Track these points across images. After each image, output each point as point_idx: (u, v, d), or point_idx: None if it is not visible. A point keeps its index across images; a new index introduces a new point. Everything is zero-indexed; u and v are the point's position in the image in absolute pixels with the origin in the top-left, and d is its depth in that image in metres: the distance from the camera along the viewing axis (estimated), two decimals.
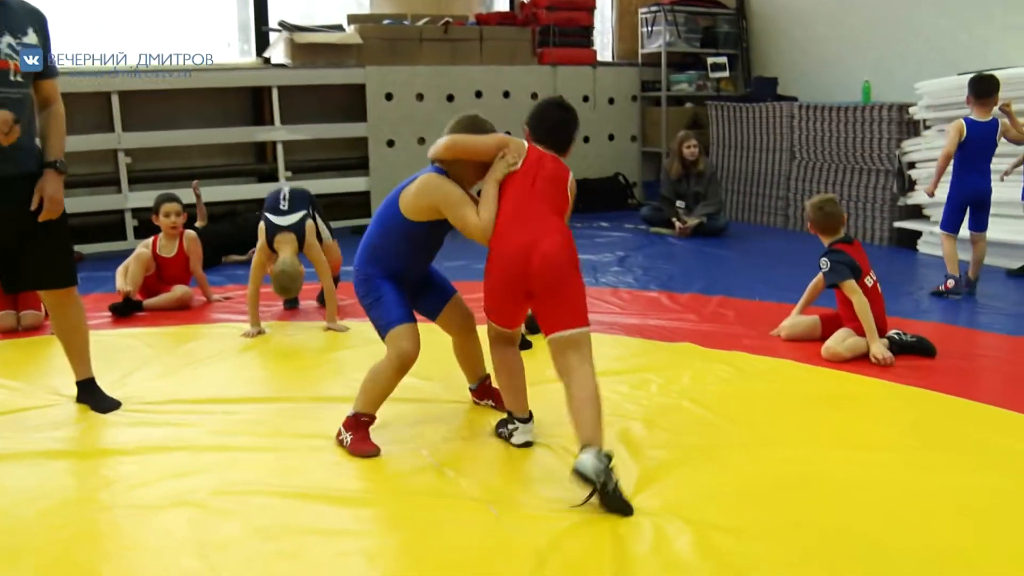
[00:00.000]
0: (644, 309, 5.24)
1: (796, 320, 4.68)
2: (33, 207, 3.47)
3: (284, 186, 5.34)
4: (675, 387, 3.90)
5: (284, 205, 5.07)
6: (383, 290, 3.34)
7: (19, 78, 3.37)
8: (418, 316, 3.44)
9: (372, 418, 3.34)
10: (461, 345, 3.70)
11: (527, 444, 3.35)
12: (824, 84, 8.83)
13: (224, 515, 2.81)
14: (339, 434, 3.33)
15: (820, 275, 4.60)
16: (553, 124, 3.40)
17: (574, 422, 3.01)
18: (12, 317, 5.09)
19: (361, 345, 4.61)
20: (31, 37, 3.42)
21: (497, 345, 3.40)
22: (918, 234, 7.14)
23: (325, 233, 5.37)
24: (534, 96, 9.18)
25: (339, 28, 8.66)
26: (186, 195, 7.59)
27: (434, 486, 3.03)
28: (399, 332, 3.29)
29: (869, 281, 4.42)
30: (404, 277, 3.42)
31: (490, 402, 3.75)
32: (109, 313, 5.31)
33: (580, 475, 2.80)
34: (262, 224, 4.99)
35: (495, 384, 3.60)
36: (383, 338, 3.34)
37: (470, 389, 3.81)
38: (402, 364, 3.31)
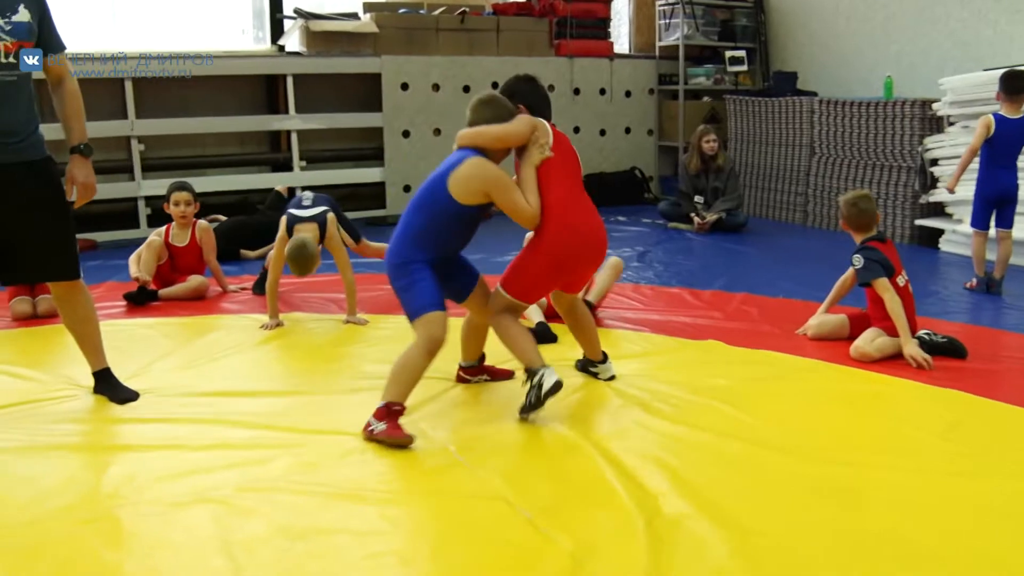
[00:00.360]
0: (667, 305, 5.16)
1: (823, 319, 4.60)
2: (68, 197, 3.40)
3: (308, 192, 5.37)
4: (705, 386, 3.82)
5: (307, 202, 5.09)
6: (420, 275, 3.37)
7: (11, 59, 3.25)
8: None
9: (403, 407, 3.30)
10: (478, 325, 3.79)
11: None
12: (844, 79, 8.74)
13: (249, 513, 2.74)
14: (368, 425, 3.26)
15: (849, 272, 4.52)
16: (544, 96, 3.79)
17: (591, 344, 3.87)
18: (27, 303, 5.03)
19: (380, 339, 4.56)
20: (22, 14, 3.26)
21: (511, 316, 3.61)
22: (940, 232, 7.05)
23: (352, 238, 5.37)
24: (551, 88, 9.12)
25: (354, 16, 8.57)
26: (199, 184, 7.56)
27: (464, 485, 2.95)
28: (431, 317, 3.32)
29: (901, 280, 4.33)
30: (442, 262, 3.48)
31: (485, 376, 3.91)
32: (124, 302, 5.25)
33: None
34: (284, 217, 4.95)
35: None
36: (412, 321, 3.36)
37: (463, 367, 3.87)
38: (431, 349, 3.33)
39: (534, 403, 3.40)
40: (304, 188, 7.92)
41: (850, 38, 8.75)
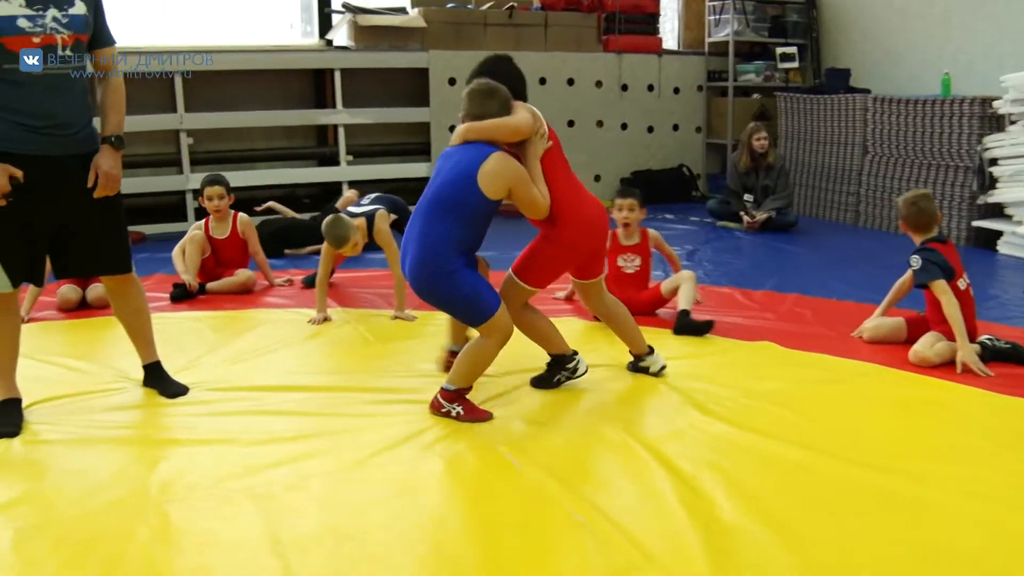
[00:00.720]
0: (718, 305, 5.06)
1: (879, 321, 4.49)
2: (89, 184, 3.35)
3: (372, 194, 5.40)
4: (760, 389, 3.74)
5: (365, 201, 5.15)
6: (474, 280, 3.36)
7: (67, 52, 3.25)
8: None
9: (470, 388, 3.44)
10: None
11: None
12: (898, 76, 8.56)
13: (299, 511, 2.71)
14: (440, 406, 3.42)
15: (907, 274, 4.40)
16: (522, 77, 3.69)
17: (632, 337, 3.89)
18: (76, 291, 5.06)
19: (428, 335, 4.52)
20: (78, 7, 3.27)
21: (532, 310, 3.70)
22: (999, 234, 6.87)
23: None
24: (598, 84, 9.06)
25: (402, 11, 8.55)
26: (247, 178, 7.60)
27: (515, 486, 2.90)
28: (501, 314, 3.36)
29: (962, 284, 4.20)
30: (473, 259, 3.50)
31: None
32: (170, 297, 5.26)
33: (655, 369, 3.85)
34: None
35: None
36: (481, 324, 3.38)
37: (453, 351, 3.79)
38: (505, 342, 3.42)
39: (557, 383, 3.75)
40: (351, 183, 7.96)
41: (905, 34, 8.56)
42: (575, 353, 3.78)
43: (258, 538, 2.55)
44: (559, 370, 3.77)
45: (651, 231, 5.04)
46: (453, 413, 3.39)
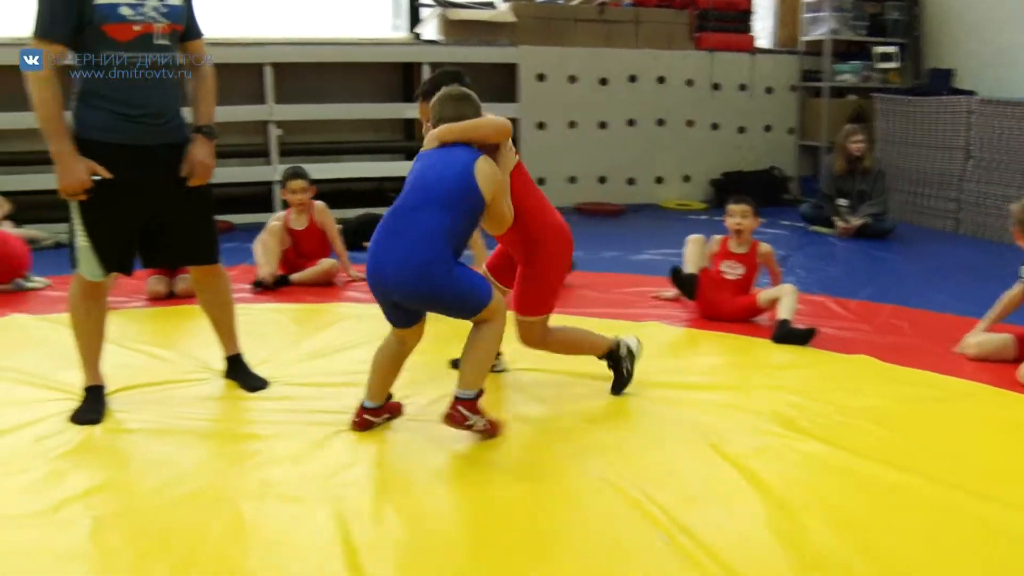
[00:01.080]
0: (811, 314, 4.85)
1: (986, 337, 4.24)
2: (183, 173, 3.37)
3: None
4: (855, 405, 3.55)
5: None
6: (468, 271, 3.14)
7: (164, 41, 3.27)
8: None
9: (483, 391, 3.19)
10: (404, 354, 3.39)
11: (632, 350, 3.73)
12: (1007, 78, 8.17)
13: (376, 516, 2.64)
14: (463, 419, 3.11)
15: (1017, 288, 4.17)
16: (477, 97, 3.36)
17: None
18: (163, 283, 5.12)
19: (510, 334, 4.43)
20: None
21: (556, 328, 3.58)
22: None
23: None
24: (689, 83, 8.87)
25: (490, 5, 8.50)
26: (334, 170, 7.61)
27: (597, 500, 2.79)
28: (496, 294, 3.17)
29: None
30: None
31: (387, 415, 3.36)
32: (253, 287, 5.29)
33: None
34: None
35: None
36: (478, 315, 3.13)
37: (369, 408, 3.30)
38: (505, 322, 3.25)
39: (629, 376, 3.67)
40: None
41: (1016, 32, 8.17)
42: (618, 340, 3.68)
43: (330, 541, 2.48)
44: (620, 364, 3.67)
45: (763, 245, 4.88)
46: (479, 425, 3.13)
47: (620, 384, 3.68)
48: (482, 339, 3.17)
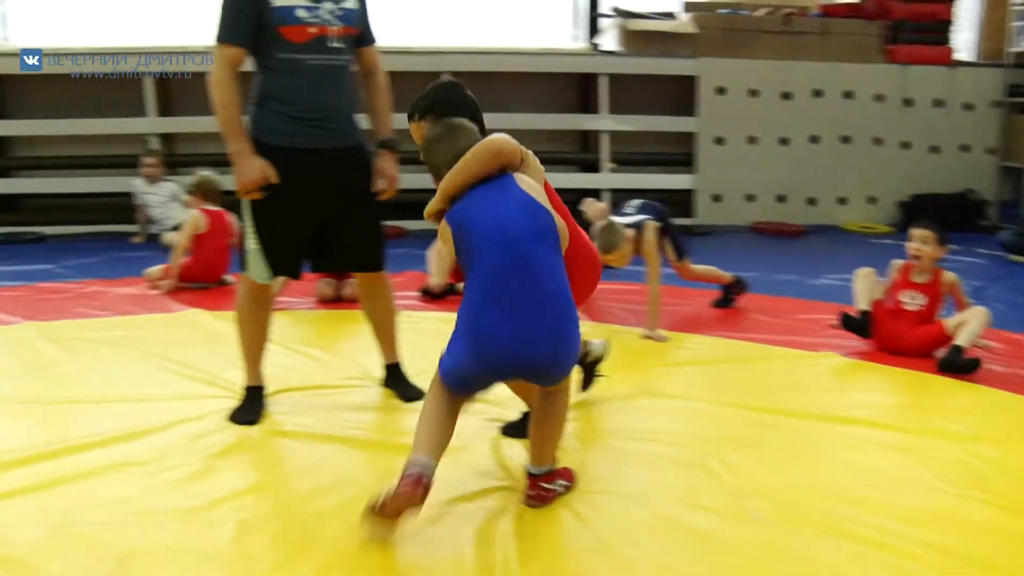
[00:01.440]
0: (1015, 355, 4.40)
1: None
2: (374, 188, 3.43)
3: (636, 200, 5.17)
4: None
5: (630, 210, 4.97)
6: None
7: (338, 44, 3.30)
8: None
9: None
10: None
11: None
12: None
13: (522, 553, 2.48)
14: (548, 494, 2.78)
15: None
16: (477, 105, 3.14)
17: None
18: (331, 286, 5.21)
19: (681, 360, 4.29)
20: (351, 1, 3.34)
21: None
22: None
23: (675, 253, 5.05)
24: (878, 98, 8.40)
25: (671, 16, 8.31)
26: None
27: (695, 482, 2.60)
28: None
29: None
30: None
31: None
32: (421, 295, 5.31)
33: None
34: None
35: None
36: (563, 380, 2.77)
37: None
38: None
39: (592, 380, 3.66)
40: (612, 191, 7.81)
41: None
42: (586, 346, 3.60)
43: (472, 567, 2.40)
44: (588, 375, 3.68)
45: (948, 274, 4.49)
46: (561, 490, 2.82)
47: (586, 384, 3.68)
48: (556, 412, 2.79)
